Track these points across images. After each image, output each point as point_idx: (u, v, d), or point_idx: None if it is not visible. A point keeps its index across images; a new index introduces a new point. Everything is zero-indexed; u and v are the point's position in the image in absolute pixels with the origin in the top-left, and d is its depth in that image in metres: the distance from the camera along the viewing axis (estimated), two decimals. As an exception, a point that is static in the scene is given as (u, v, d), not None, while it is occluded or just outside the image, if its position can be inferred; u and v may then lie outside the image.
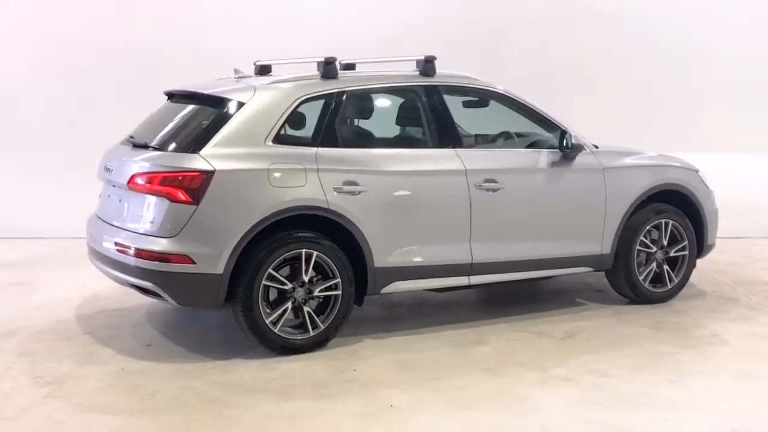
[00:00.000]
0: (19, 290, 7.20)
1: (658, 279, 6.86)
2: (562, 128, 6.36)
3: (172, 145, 5.49)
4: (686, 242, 6.89)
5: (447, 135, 6.08)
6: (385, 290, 5.84)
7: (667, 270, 6.85)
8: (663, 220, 6.79)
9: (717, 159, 9.37)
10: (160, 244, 5.27)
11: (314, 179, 5.50)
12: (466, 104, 6.69)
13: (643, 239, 6.73)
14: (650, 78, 9.79)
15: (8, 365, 5.37)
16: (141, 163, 5.46)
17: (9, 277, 7.64)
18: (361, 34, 9.27)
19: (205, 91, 5.77)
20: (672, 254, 6.87)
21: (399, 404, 4.74)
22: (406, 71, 6.23)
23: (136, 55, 9.27)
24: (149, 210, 5.37)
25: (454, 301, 6.91)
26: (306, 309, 5.54)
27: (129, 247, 5.38)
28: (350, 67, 6.58)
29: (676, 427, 4.49)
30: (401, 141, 6.34)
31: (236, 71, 6.18)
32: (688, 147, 9.44)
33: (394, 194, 5.77)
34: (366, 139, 6.14)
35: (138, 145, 5.71)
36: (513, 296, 7.12)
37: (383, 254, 5.74)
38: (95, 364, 5.38)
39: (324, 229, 5.61)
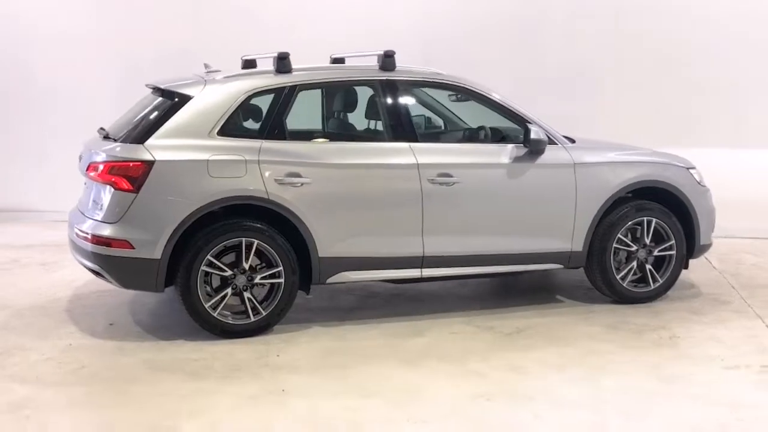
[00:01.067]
0: (37, 270, 7.76)
1: (642, 278, 6.68)
2: (528, 123, 6.29)
3: (125, 137, 5.82)
4: (672, 242, 6.67)
5: (402, 129, 6.15)
6: (332, 280, 5.98)
7: (650, 269, 6.65)
8: (645, 218, 6.59)
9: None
10: (105, 230, 5.63)
11: (255, 171, 5.71)
12: (453, 99, 6.75)
13: (622, 237, 6.56)
14: (691, 71, 9.44)
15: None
16: (97, 153, 5.82)
17: (37, 257, 8.24)
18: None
19: (162, 85, 6.07)
20: (657, 254, 6.66)
21: (290, 389, 4.90)
22: (365, 65, 6.33)
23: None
24: (100, 197, 5.74)
25: (428, 292, 6.97)
26: (246, 295, 5.76)
27: (87, 234, 5.76)
28: (339, 61, 6.74)
29: (540, 424, 4.45)
30: (353, 135, 6.46)
31: (206, 66, 6.45)
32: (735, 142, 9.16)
33: (339, 187, 5.89)
34: (314, 133, 6.29)
35: (105, 136, 6.07)
36: (491, 291, 7.12)
37: (328, 245, 5.88)
38: (50, 339, 5.79)
39: (274, 219, 5.81)
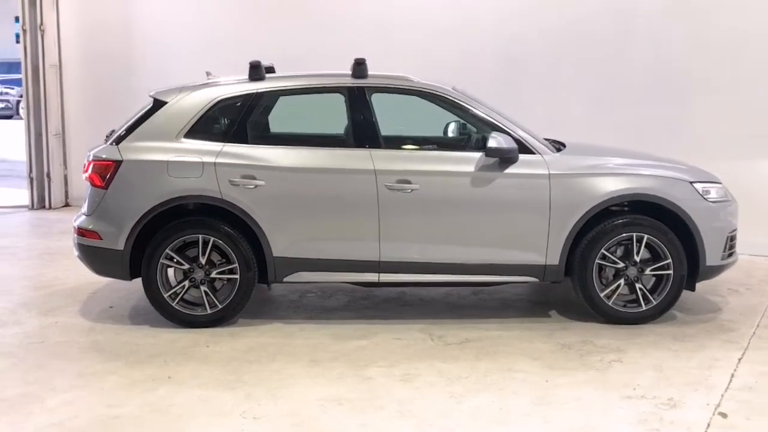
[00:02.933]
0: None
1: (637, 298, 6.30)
2: (493, 130, 6.16)
3: (112, 138, 6.43)
4: (669, 260, 6.21)
5: (364, 135, 6.25)
6: (288, 279, 6.24)
7: (641, 289, 6.24)
8: (635, 234, 6.19)
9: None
10: (83, 222, 6.29)
11: (211, 172, 6.10)
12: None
13: (607, 253, 6.22)
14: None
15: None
16: (89, 153, 6.49)
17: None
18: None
19: (151, 93, 6.61)
20: (649, 273, 6.24)
21: (178, 377, 5.24)
22: (337, 72, 6.50)
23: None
24: (87, 193, 6.40)
25: (426, 298, 7.00)
26: (203, 288, 6.18)
27: (74, 225, 6.46)
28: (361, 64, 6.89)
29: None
30: (315, 140, 6.63)
31: (208, 74, 6.91)
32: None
33: (293, 190, 6.13)
34: (275, 138, 6.56)
35: (107, 137, 6.73)
36: (481, 301, 6.99)
37: (282, 245, 6.14)
38: (47, 316, 6.54)
39: (236, 220, 6.17)
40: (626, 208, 6.35)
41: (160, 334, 6.06)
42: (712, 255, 6.27)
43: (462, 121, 6.77)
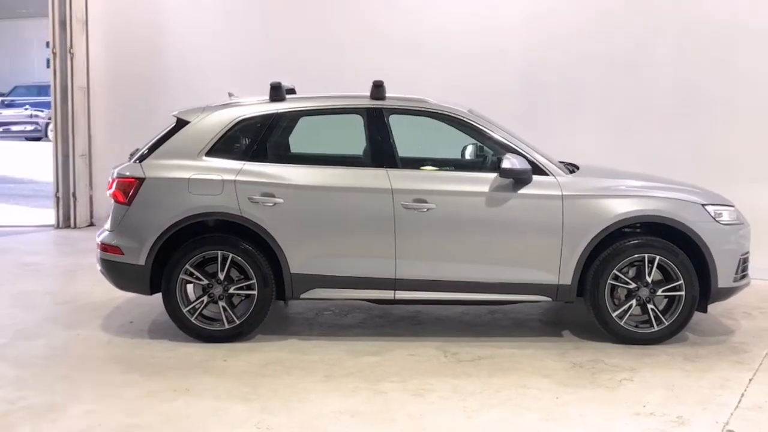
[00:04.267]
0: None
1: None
2: (509, 152, 6.27)
3: (137, 156, 6.60)
4: (681, 282, 6.28)
5: (382, 155, 6.39)
6: (305, 295, 6.36)
7: (653, 309, 6.31)
8: (647, 255, 6.27)
9: None
10: (106, 237, 6.46)
11: (231, 189, 6.25)
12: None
13: (619, 274, 6.30)
14: None
15: (18, 318, 6.93)
16: (113, 170, 6.67)
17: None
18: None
19: (174, 113, 6.78)
20: (661, 294, 6.31)
21: (194, 389, 5.36)
22: (356, 94, 6.65)
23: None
24: (111, 210, 6.56)
25: (443, 317, 7.08)
26: (221, 304, 6.31)
27: (97, 241, 6.62)
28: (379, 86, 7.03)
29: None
30: (333, 160, 6.75)
31: (230, 95, 7.08)
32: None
33: (311, 207, 6.27)
34: (294, 157, 6.71)
35: (131, 155, 6.90)
36: (495, 319, 7.07)
37: (300, 262, 6.27)
38: (70, 329, 6.69)
39: (255, 237, 6.31)
40: (639, 230, 6.42)
41: (178, 348, 6.18)
42: (723, 277, 6.33)
43: (477, 143, 6.89)
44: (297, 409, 5.04)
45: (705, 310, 6.45)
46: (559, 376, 5.67)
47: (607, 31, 9.35)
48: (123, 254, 6.33)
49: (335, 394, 5.29)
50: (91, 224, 11.82)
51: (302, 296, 6.37)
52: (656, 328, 6.33)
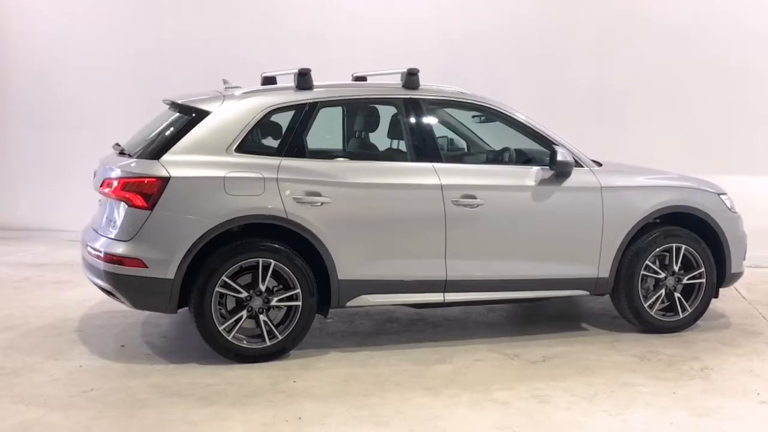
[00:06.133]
0: (49, 289, 7.62)
1: (671, 307, 6.45)
2: (554, 144, 6.10)
3: (140, 152, 5.65)
4: (702, 269, 6.44)
5: (426, 149, 5.97)
6: (351, 303, 5.78)
7: (679, 298, 6.42)
8: (674, 245, 6.37)
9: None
10: (118, 248, 5.46)
11: (273, 189, 5.53)
12: (477, 120, 6.58)
13: (650, 264, 6.34)
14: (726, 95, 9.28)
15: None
16: (111, 169, 5.66)
17: (50, 276, 8.10)
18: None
19: (179, 101, 5.91)
20: (686, 281, 6.43)
21: (307, 417, 4.68)
22: (388, 84, 6.17)
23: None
24: (114, 214, 5.57)
25: (449, 317, 6.77)
26: (262, 318, 5.57)
27: (99, 252, 5.59)
28: (361, 79, 6.58)
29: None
30: (375, 153, 6.27)
31: (225, 82, 6.30)
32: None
33: (360, 207, 5.71)
34: (334, 151, 6.12)
35: (121, 152, 5.91)
36: (513, 317, 6.91)
37: (348, 267, 5.69)
38: (59, 360, 5.62)
39: (293, 240, 5.62)
40: (657, 221, 6.52)
41: (221, 372, 5.40)
42: (736, 262, 6.60)
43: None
44: (449, 429, 4.55)
45: (717, 296, 6.68)
46: (643, 370, 5.60)
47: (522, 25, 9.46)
48: (146, 267, 5.39)
49: (470, 407, 4.85)
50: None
51: (348, 304, 5.79)
52: (681, 316, 6.46)
